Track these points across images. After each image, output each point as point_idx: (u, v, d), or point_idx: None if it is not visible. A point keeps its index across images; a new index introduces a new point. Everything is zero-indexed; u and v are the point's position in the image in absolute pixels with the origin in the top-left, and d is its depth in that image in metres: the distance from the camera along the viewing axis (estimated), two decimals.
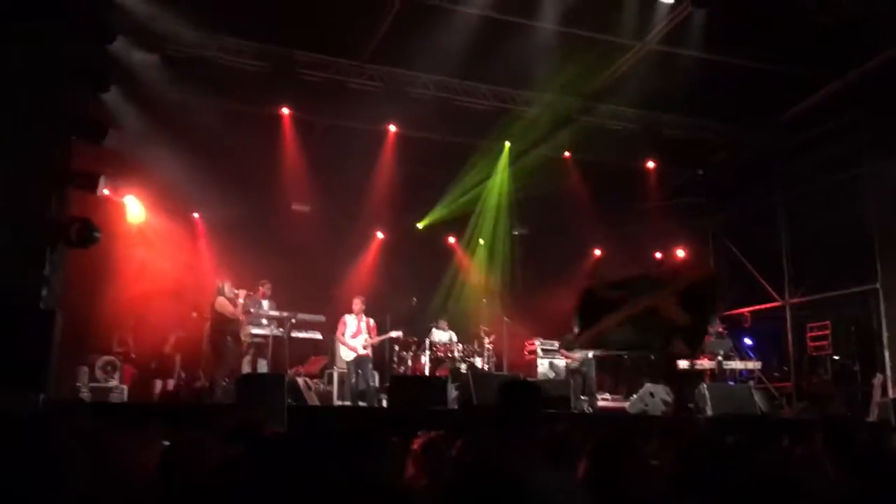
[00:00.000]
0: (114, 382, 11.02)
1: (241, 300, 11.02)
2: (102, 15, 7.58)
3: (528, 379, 11.71)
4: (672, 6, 10.19)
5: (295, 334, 11.87)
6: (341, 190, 13.13)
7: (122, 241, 12.60)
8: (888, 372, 11.59)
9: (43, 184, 6.68)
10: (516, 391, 3.44)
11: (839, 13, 9.46)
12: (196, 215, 13.86)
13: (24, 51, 6.42)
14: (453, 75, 11.84)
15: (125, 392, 10.93)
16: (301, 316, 11.89)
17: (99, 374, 11.01)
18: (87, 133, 6.96)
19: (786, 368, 13.60)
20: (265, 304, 12.00)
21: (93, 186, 7.41)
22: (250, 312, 11.74)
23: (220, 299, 10.71)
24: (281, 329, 11.65)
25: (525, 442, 3.17)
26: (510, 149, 14.13)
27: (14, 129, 6.36)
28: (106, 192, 9.79)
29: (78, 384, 10.55)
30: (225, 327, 10.62)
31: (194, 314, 11.98)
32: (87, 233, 7.27)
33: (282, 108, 12.09)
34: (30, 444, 1.85)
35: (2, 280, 6.16)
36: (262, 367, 11.61)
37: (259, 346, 11.77)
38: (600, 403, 12.09)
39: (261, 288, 12.04)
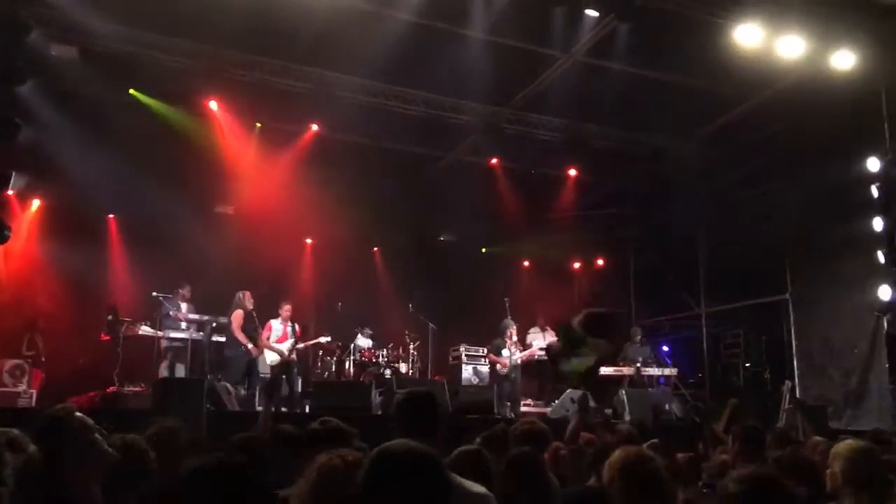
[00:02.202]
0: (22, 387, 10.63)
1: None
2: (18, 6, 7.26)
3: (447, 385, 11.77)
4: (598, 19, 10.39)
5: (215, 338, 11.64)
6: (267, 193, 12.88)
7: (28, 241, 12.22)
8: (796, 380, 12.11)
9: None
10: (415, 402, 3.38)
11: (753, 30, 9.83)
12: (111, 216, 13.49)
13: None
14: (384, 80, 11.80)
15: (34, 397, 10.54)
16: (222, 320, 11.66)
17: (6, 378, 10.61)
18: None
19: (700, 375, 14.03)
20: (184, 307, 11.75)
21: (3, 184, 7.10)
22: (168, 316, 11.48)
23: (237, 312, 10.88)
24: (201, 333, 11.41)
25: None
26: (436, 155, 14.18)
27: None
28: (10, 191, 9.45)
29: None
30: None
31: (109, 317, 11.60)
32: None
33: (206, 105, 11.76)
34: None
35: None
36: (181, 371, 11.37)
37: (177, 350, 11.51)
38: (522, 409, 12.22)
39: (180, 291, 11.81)
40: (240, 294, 11.11)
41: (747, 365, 13.31)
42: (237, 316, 10.97)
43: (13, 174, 6.92)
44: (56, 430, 2.85)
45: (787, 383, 11.72)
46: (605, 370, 12.54)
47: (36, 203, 12.64)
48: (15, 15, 6.56)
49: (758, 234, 12.75)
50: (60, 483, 2.71)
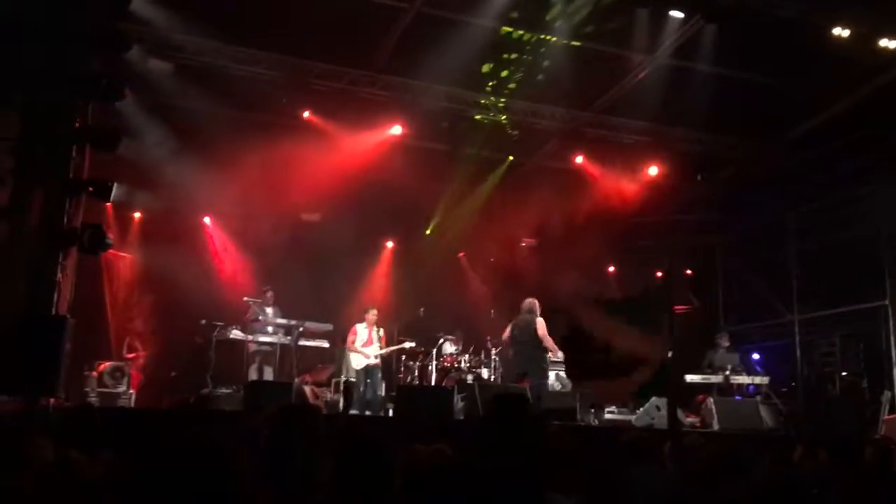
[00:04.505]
0: (122, 388, 11.09)
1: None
2: (118, 24, 7.66)
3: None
4: (683, 20, 10.20)
5: (302, 342, 11.92)
6: (352, 200, 13.07)
7: (128, 248, 12.75)
8: None
9: (57, 191, 6.76)
10: (503, 403, 3.37)
11: (850, 29, 9.47)
12: (207, 220, 13.96)
13: (41, 59, 6.51)
14: (466, 87, 11.86)
15: (132, 398, 11.01)
16: (309, 324, 11.93)
17: (107, 379, 11.08)
18: (102, 141, 7.03)
19: (794, 384, 13.53)
20: (269, 311, 12.06)
21: (106, 194, 7.46)
22: (258, 320, 11.81)
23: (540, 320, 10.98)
24: (288, 337, 11.70)
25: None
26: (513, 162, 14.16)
27: (30, 137, 6.44)
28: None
29: (86, 389, 10.62)
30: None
31: (202, 321, 11.97)
32: (99, 239, 7.31)
33: (295, 116, 12.03)
34: None
35: (16, 286, 6.23)
36: (269, 374, 11.68)
37: (266, 354, 11.83)
38: (606, 416, 12.05)
39: (265, 295, 12.11)
40: (535, 302, 11.23)
41: (843, 374, 12.76)
42: (541, 323, 11.02)
43: (114, 184, 7.24)
44: None
45: (887, 393, 11.22)
46: (690, 378, 12.26)
47: (137, 215, 13.26)
48: (116, 33, 6.93)
49: (852, 238, 12.25)
50: None
